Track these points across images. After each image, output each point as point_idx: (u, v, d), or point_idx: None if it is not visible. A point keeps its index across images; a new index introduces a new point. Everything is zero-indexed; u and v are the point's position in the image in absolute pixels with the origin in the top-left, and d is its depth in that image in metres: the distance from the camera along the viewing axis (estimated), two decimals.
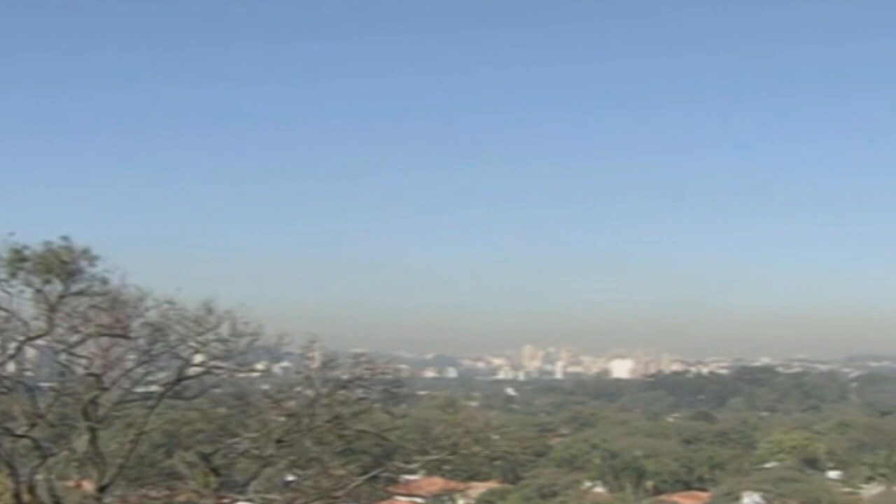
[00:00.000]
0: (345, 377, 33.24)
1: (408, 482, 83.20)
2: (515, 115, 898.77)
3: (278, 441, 32.52)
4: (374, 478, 36.67)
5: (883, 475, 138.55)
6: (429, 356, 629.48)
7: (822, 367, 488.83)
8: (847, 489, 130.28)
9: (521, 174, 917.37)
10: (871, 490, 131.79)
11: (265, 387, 36.18)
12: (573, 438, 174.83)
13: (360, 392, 33.75)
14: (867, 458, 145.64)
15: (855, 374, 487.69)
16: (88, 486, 33.34)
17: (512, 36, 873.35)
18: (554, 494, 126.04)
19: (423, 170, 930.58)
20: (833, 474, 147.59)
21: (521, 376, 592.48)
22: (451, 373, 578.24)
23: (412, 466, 38.46)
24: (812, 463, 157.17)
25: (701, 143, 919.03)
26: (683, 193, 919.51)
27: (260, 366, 34.61)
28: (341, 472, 33.95)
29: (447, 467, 75.38)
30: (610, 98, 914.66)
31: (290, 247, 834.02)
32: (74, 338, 31.49)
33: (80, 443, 31.85)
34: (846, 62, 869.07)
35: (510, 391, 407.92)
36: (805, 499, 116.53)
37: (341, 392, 33.23)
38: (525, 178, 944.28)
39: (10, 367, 31.56)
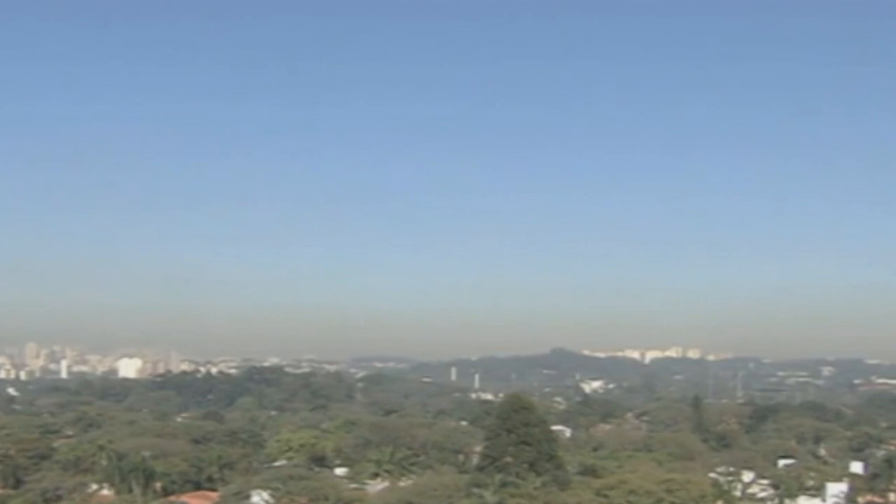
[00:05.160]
0: None
1: None
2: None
3: None
4: None
5: (387, 471, 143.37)
6: None
7: (330, 368, 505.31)
8: (354, 485, 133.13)
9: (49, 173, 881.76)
10: (377, 486, 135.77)
11: None
12: (79, 440, 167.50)
13: None
14: (373, 455, 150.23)
15: (361, 374, 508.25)
16: None
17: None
18: (59, 498, 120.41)
19: None
20: (340, 471, 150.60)
21: (24, 376, 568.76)
22: None
23: None
24: (320, 461, 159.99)
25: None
26: (191, 198, 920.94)
27: None
28: None
29: None
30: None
31: None
32: None
33: None
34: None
35: (12, 391, 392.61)
36: (313, 496, 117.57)
37: None
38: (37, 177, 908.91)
39: None
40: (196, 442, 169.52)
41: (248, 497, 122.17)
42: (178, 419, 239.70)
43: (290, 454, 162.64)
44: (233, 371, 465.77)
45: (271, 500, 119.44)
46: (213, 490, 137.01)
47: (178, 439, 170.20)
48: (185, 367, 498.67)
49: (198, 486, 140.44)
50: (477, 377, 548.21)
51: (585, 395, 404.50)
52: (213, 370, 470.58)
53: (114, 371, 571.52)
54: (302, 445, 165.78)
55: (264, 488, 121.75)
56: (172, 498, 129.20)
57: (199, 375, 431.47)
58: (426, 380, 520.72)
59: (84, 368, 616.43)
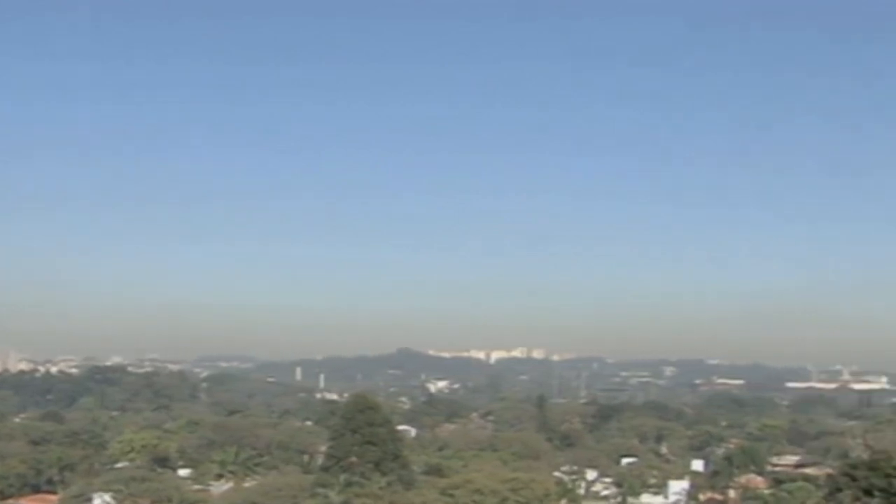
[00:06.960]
0: None
1: None
2: None
3: None
4: None
5: (232, 472, 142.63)
6: None
7: (174, 367, 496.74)
8: (197, 486, 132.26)
9: None
10: (221, 487, 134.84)
11: None
12: None
13: None
14: (217, 456, 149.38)
15: (205, 373, 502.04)
16: None
17: None
18: None
19: None
20: (184, 472, 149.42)
21: None
22: None
23: None
24: (163, 462, 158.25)
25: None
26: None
27: None
28: None
29: None
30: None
31: None
32: None
33: None
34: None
35: None
36: (156, 498, 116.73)
37: None
38: None
39: None
40: (35, 443, 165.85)
41: (89, 500, 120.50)
42: (16, 420, 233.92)
43: (132, 455, 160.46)
44: (73, 370, 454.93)
45: (113, 503, 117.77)
46: (53, 493, 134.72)
47: (16, 440, 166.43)
48: (23, 366, 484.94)
49: (37, 489, 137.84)
50: (322, 377, 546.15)
51: (430, 395, 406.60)
52: (53, 369, 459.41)
53: None
54: (144, 446, 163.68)
55: (106, 490, 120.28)
56: (10, 501, 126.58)
57: (38, 375, 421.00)
58: (270, 379, 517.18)
59: None
